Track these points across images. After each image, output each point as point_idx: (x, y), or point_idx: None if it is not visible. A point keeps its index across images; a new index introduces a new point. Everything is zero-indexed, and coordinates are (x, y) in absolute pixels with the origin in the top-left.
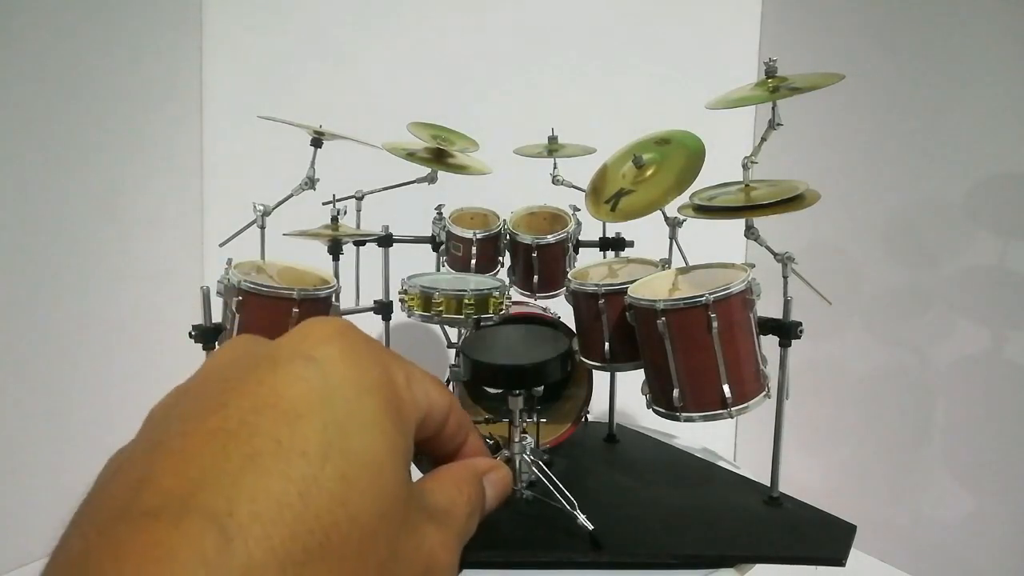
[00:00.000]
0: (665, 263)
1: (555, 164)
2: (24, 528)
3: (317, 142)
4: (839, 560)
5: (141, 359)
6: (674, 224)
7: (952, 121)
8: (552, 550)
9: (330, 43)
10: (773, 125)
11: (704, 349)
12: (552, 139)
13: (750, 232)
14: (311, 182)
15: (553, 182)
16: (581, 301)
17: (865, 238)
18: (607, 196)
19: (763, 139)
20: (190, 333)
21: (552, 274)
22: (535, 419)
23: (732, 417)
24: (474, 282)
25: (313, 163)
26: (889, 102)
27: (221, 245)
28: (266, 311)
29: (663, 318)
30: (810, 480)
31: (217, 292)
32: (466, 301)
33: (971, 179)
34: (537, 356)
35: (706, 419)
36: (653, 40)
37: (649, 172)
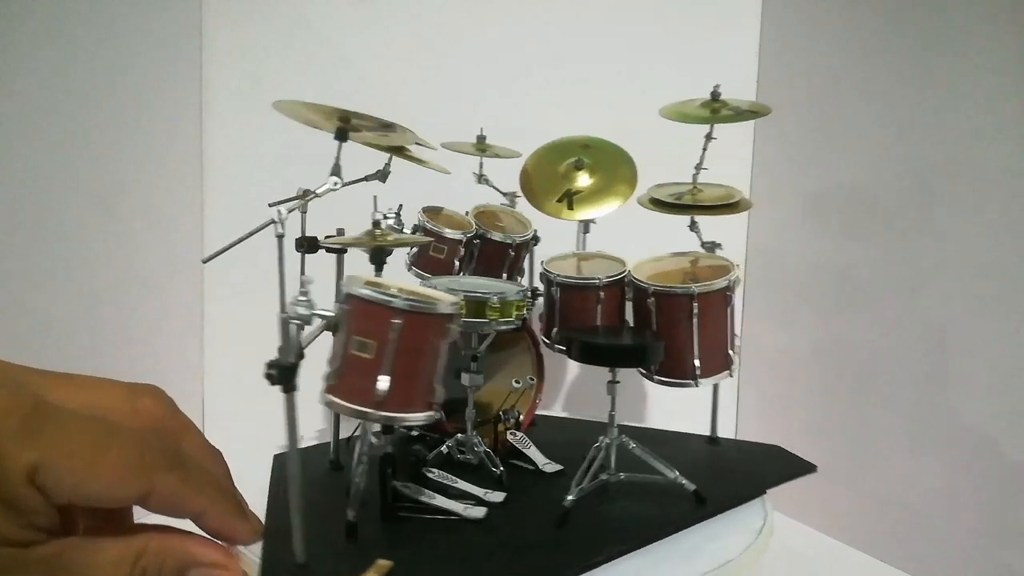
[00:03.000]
0: (715, 246)
1: (481, 164)
2: None
3: (342, 134)
4: (812, 466)
5: (140, 360)
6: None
7: (953, 120)
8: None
9: (330, 43)
10: (708, 138)
11: (720, 319)
12: (480, 139)
13: (693, 226)
14: (340, 180)
15: (478, 181)
16: (574, 291)
17: (852, 227)
18: (556, 196)
19: (704, 149)
20: (269, 374)
21: (517, 268)
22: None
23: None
24: (490, 286)
25: (338, 158)
26: (889, 100)
27: (205, 261)
28: (429, 329)
29: (696, 302)
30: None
31: (295, 317)
32: (491, 305)
33: (968, 178)
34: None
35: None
36: (651, 36)
37: (588, 173)
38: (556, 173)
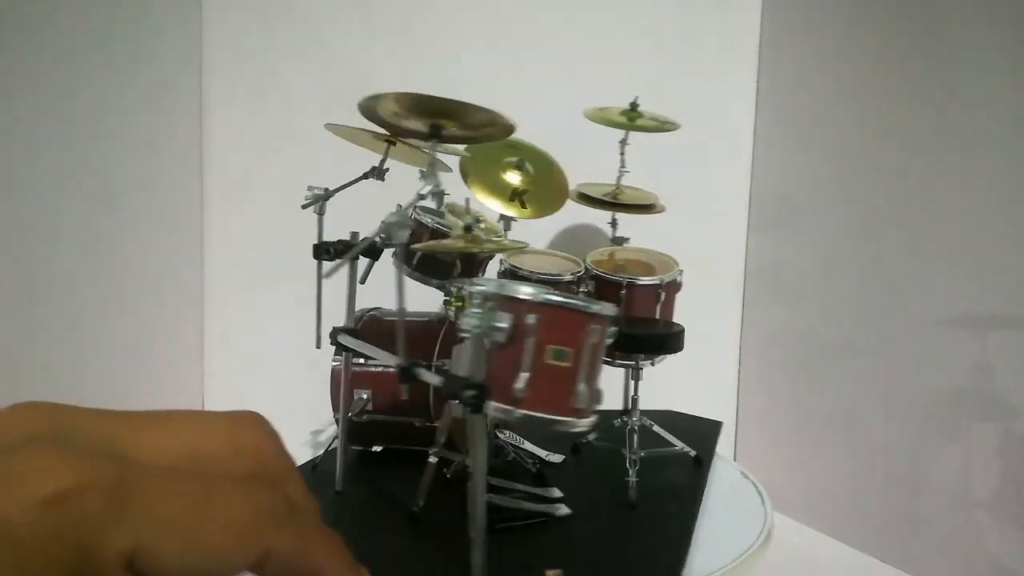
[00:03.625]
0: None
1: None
2: None
3: (435, 131)
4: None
5: (141, 360)
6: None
7: (952, 122)
8: None
9: (329, 41)
10: (624, 142)
11: (672, 305)
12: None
13: (613, 223)
14: (438, 180)
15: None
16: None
17: (853, 225)
18: (508, 196)
19: (622, 154)
20: (472, 396)
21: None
22: None
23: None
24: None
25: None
26: (887, 104)
27: (326, 276)
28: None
29: (663, 291)
30: (812, 480)
31: (477, 331)
32: None
33: (964, 180)
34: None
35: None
36: (649, 38)
37: (521, 173)
38: (495, 171)
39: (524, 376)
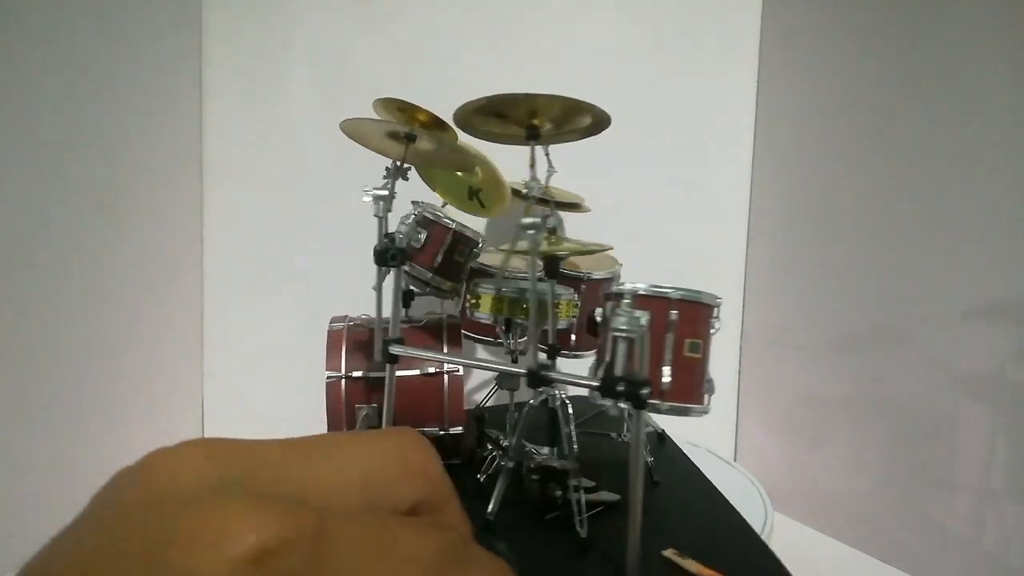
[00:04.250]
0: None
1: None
2: (24, 529)
3: (533, 133)
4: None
5: (141, 360)
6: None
7: (950, 123)
8: None
9: (329, 41)
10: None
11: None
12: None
13: (552, 218)
14: (540, 182)
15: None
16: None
17: (843, 222)
18: (467, 195)
19: (547, 154)
20: (640, 395)
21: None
22: None
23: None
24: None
25: (534, 163)
26: (887, 100)
27: (500, 279)
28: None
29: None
30: (813, 479)
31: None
32: (574, 304)
33: (965, 178)
34: None
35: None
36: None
37: (477, 175)
38: (452, 172)
39: (667, 370)
